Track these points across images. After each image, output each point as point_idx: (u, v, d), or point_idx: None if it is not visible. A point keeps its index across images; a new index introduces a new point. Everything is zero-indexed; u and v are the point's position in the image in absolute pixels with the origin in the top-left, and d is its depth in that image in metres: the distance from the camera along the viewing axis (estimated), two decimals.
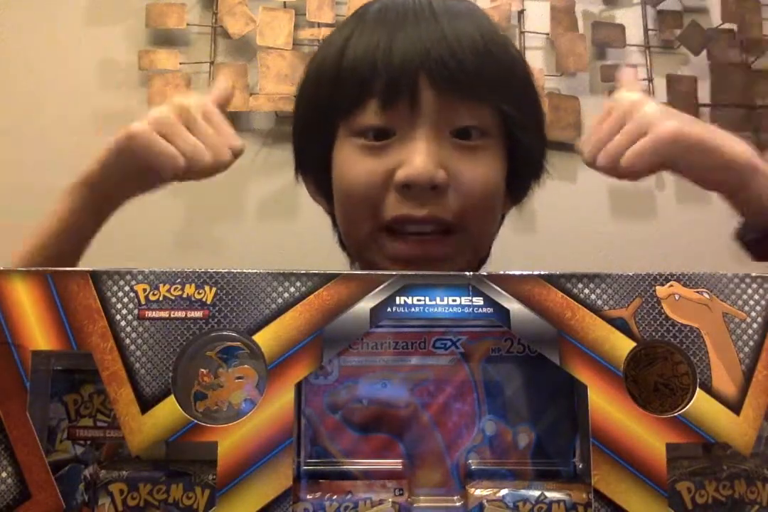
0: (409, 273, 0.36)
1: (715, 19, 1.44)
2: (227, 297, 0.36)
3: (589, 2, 1.44)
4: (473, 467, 0.38)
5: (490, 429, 0.38)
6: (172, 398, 0.35)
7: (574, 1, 1.40)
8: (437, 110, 0.53)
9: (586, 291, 0.36)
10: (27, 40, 1.31)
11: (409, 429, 0.38)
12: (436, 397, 0.38)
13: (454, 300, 0.36)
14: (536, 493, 0.36)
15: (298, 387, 0.36)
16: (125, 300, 0.36)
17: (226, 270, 0.36)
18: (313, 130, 0.61)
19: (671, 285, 0.37)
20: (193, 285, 0.36)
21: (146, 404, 0.35)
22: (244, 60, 1.32)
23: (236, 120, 1.30)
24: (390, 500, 0.36)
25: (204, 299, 0.36)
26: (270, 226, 1.23)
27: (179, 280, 0.36)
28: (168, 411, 0.35)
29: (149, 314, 0.36)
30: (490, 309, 0.36)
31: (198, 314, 0.36)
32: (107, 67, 1.31)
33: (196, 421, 0.35)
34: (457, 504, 0.37)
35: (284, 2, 1.33)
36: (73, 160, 1.27)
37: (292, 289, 0.36)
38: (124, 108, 1.29)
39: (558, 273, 0.37)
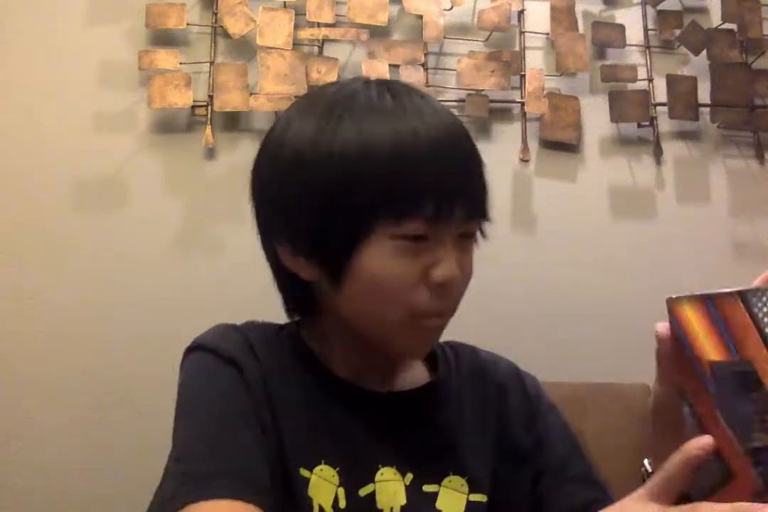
0: None
1: (715, 19, 1.44)
2: None
3: (589, 2, 1.44)
4: None
5: None
6: None
7: (574, 1, 1.40)
8: (460, 223, 0.63)
9: None
10: (27, 40, 1.31)
11: None
12: None
13: None
14: None
15: None
16: None
17: None
18: (338, 222, 0.64)
19: None
20: None
21: None
22: (244, 60, 1.32)
23: (236, 120, 1.30)
24: None
25: None
26: None
27: None
28: None
29: None
30: None
31: None
32: (107, 67, 1.31)
33: None
34: None
35: (284, 2, 1.33)
36: (73, 160, 1.28)
37: None
38: (124, 108, 1.30)
39: None
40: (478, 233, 0.69)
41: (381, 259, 0.62)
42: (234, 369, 0.66)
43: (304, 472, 0.59)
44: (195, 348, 0.70)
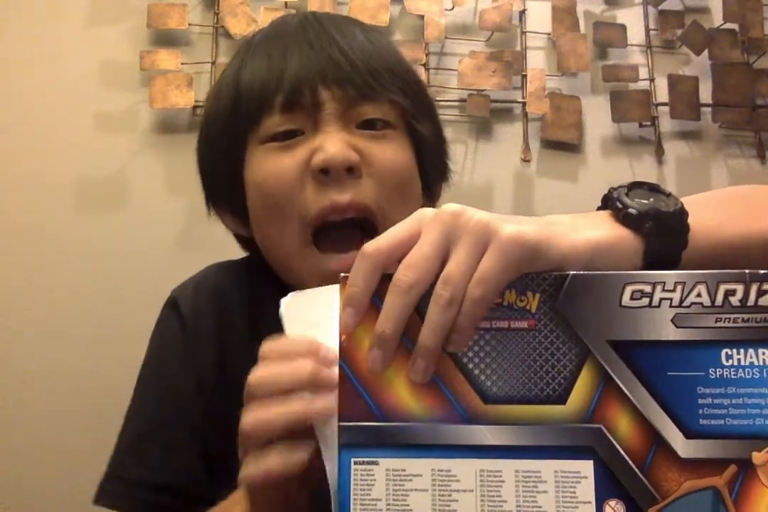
0: None
1: (717, 18, 1.43)
2: None
3: (590, 2, 1.44)
4: None
5: None
6: None
7: (576, 1, 1.40)
8: (339, 107, 0.56)
9: None
10: (28, 41, 1.31)
11: None
12: None
13: None
14: None
15: None
16: None
17: None
18: (221, 150, 0.63)
19: None
20: None
21: None
22: None
23: None
24: None
25: None
26: None
27: None
28: None
29: None
30: None
31: None
32: (108, 67, 1.31)
33: None
34: None
35: (285, 3, 1.33)
36: (74, 160, 1.28)
37: None
38: (125, 108, 1.30)
39: None
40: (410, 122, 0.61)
41: (258, 165, 0.59)
42: (179, 327, 0.66)
43: None
44: (170, 303, 0.69)
